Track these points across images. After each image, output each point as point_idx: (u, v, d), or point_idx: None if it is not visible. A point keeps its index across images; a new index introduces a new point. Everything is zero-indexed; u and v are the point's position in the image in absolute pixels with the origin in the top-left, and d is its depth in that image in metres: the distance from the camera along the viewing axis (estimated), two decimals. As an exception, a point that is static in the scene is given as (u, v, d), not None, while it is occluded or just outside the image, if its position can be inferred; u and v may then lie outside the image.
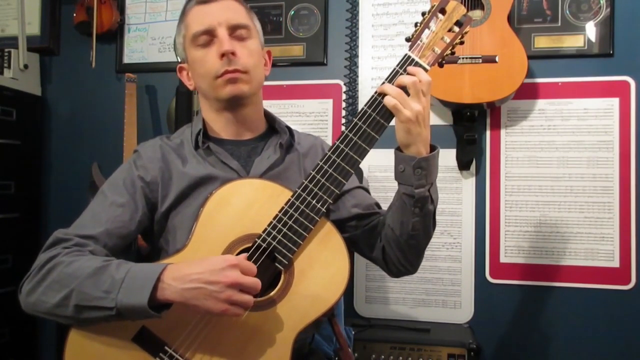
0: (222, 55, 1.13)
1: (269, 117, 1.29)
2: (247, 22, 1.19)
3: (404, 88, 1.04)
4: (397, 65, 1.08)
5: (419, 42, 1.09)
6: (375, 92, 1.07)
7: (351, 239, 1.25)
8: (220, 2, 1.17)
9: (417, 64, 1.07)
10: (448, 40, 1.09)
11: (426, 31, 1.09)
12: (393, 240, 1.15)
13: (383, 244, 1.19)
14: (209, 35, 1.15)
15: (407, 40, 1.10)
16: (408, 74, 1.05)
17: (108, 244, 1.10)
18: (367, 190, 1.31)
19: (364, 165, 2.06)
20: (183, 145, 1.23)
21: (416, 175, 1.06)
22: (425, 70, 1.08)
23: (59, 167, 2.42)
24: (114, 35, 2.34)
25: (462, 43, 1.12)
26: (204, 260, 0.97)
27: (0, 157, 2.18)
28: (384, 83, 1.07)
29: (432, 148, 1.10)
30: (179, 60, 1.27)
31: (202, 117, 1.25)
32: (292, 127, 1.32)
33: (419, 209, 1.09)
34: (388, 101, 1.04)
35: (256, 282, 0.96)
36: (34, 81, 2.37)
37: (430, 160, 1.07)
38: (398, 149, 1.09)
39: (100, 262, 1.01)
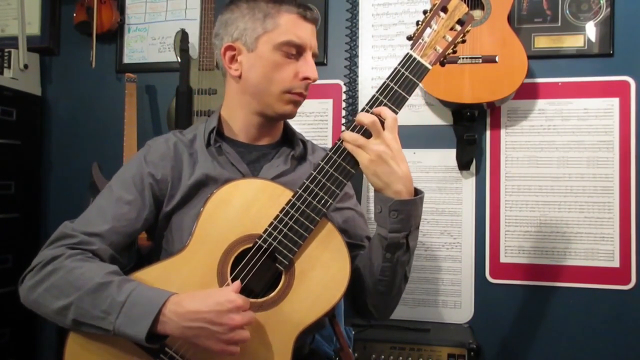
0: (305, 78, 1.14)
1: (287, 128, 1.28)
2: None
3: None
4: (399, 65, 1.07)
5: (420, 40, 1.08)
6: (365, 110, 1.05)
7: None
8: (313, 25, 1.17)
9: (418, 63, 1.06)
10: (450, 39, 1.08)
11: (428, 30, 1.08)
12: (360, 281, 1.11)
13: (354, 280, 1.11)
14: (299, 50, 1.14)
15: (409, 38, 1.09)
16: (372, 113, 1.02)
17: (114, 242, 1.09)
18: (363, 217, 1.28)
19: (364, 165, 2.06)
20: (195, 140, 1.21)
21: (391, 218, 1.02)
22: (427, 69, 1.06)
23: (59, 167, 2.42)
24: (114, 35, 2.34)
25: (463, 41, 1.11)
26: (208, 296, 0.95)
27: (0, 157, 2.18)
28: (382, 86, 1.06)
29: (417, 192, 1.05)
30: (229, 39, 1.17)
31: (218, 115, 1.23)
32: (292, 127, 1.32)
33: (390, 254, 1.05)
34: (347, 147, 1.02)
35: (251, 317, 0.96)
36: (34, 81, 2.37)
37: (409, 205, 1.02)
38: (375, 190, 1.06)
39: (102, 275, 0.99)
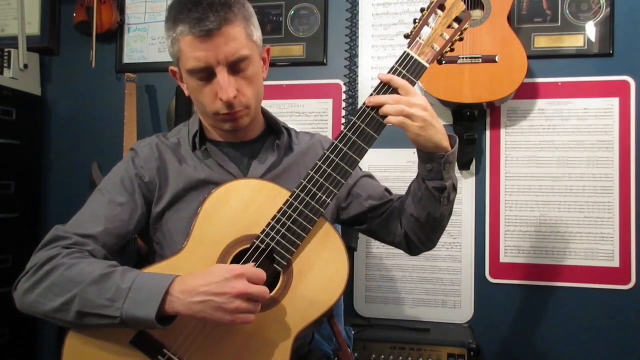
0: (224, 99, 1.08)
1: (268, 117, 1.28)
2: (247, 51, 1.08)
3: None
4: (396, 64, 1.08)
5: (418, 39, 1.08)
6: (371, 96, 1.07)
7: (370, 229, 1.28)
8: (218, 35, 1.04)
9: (416, 61, 1.07)
10: (447, 37, 1.09)
11: (425, 28, 1.09)
12: (418, 227, 1.18)
13: (406, 230, 1.21)
14: (208, 72, 1.07)
15: (406, 37, 1.10)
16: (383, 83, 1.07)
17: (107, 244, 1.09)
18: (372, 177, 1.32)
19: (364, 165, 2.06)
20: (180, 145, 1.22)
21: (446, 170, 1.10)
22: (425, 67, 1.07)
23: (59, 167, 2.42)
24: (114, 35, 2.34)
25: (461, 39, 1.11)
26: (209, 271, 0.96)
27: (0, 157, 2.18)
28: (380, 85, 1.07)
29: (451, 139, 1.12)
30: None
31: (199, 119, 1.22)
32: (292, 127, 1.31)
33: (446, 199, 1.13)
34: (392, 120, 1.04)
35: (264, 290, 0.95)
36: (34, 81, 2.37)
37: (455, 154, 1.11)
38: (421, 151, 1.10)
39: (104, 268, 1.00)
